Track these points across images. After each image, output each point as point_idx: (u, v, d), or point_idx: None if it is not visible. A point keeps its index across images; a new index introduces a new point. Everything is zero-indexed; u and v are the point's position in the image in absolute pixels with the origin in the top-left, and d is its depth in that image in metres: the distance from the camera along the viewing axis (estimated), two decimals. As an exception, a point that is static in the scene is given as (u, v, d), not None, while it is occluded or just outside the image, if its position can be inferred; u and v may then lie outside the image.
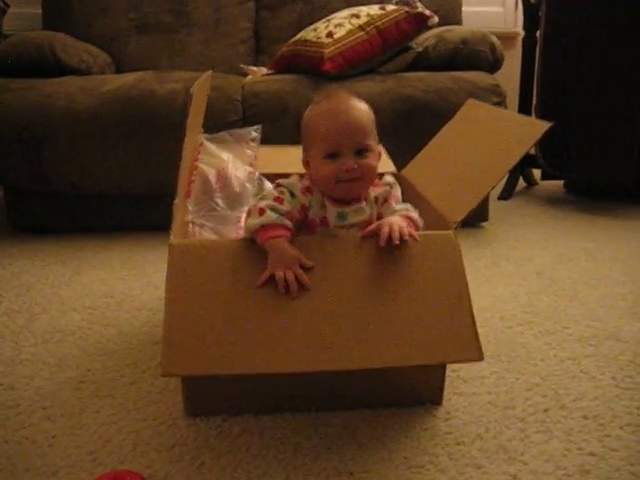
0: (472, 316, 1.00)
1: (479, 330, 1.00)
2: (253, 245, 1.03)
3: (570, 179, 2.61)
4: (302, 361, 0.95)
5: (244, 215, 1.17)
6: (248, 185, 1.34)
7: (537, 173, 2.78)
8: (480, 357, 0.98)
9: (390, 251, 1.03)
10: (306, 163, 1.13)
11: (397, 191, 1.17)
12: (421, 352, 0.97)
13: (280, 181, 1.11)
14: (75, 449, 0.96)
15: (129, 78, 2.06)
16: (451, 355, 0.99)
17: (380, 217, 1.13)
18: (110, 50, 2.48)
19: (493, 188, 1.06)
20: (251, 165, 1.37)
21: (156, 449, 0.97)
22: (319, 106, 1.11)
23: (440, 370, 1.07)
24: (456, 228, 1.06)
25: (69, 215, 2.08)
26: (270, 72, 2.31)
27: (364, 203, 1.12)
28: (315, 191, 1.10)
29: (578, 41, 2.27)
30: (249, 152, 1.39)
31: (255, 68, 2.40)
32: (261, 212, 1.03)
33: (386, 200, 1.14)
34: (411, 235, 1.03)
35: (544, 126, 1.01)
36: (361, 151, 1.07)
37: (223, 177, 1.32)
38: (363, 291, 1.00)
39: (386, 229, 1.02)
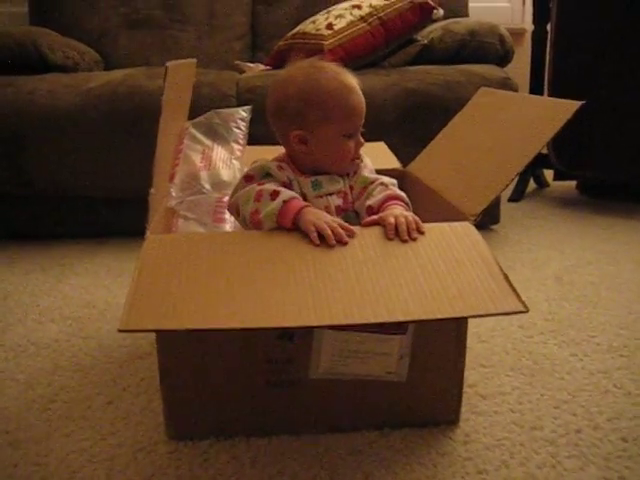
0: (504, 275, 0.85)
1: (497, 340, 0.87)
2: (237, 239, 0.91)
3: (584, 180, 2.48)
4: (302, 314, 0.79)
5: (226, 197, 1.14)
6: (235, 162, 1.24)
7: (548, 174, 2.65)
8: (525, 307, 0.81)
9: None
10: (299, 140, 1.04)
11: (368, 162, 1.13)
12: (452, 304, 0.81)
13: (251, 170, 1.05)
14: (37, 482, 0.84)
15: (117, 74, 1.94)
16: (488, 306, 0.81)
17: (351, 189, 1.09)
18: (99, 47, 2.36)
19: (517, 175, 0.93)
20: (238, 159, 1.27)
21: (131, 481, 0.84)
22: (328, 78, 1.03)
23: (456, 384, 0.95)
24: (476, 221, 0.94)
25: (52, 220, 1.95)
26: (267, 68, 2.19)
27: (337, 176, 1.08)
28: (286, 168, 1.06)
29: (594, 33, 2.14)
30: (236, 146, 1.29)
31: (251, 64, 2.28)
32: (274, 194, 0.96)
33: (355, 172, 1.10)
34: (418, 229, 0.93)
35: (574, 105, 0.89)
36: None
37: (208, 157, 1.22)
38: (375, 261, 0.88)
39: (391, 220, 0.93)
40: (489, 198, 0.92)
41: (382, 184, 1.07)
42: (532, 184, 2.64)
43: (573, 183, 2.58)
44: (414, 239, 0.91)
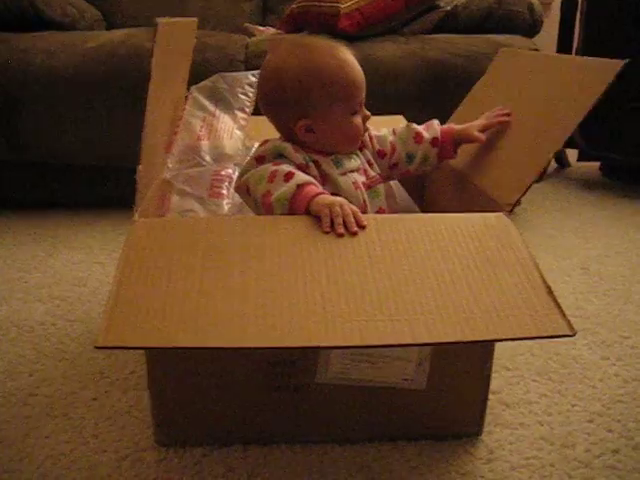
0: (547, 287, 0.75)
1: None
2: (238, 228, 0.81)
3: (609, 161, 2.35)
4: (312, 332, 0.68)
5: (225, 171, 1.09)
6: (238, 132, 1.13)
7: (570, 154, 2.52)
8: (571, 330, 0.71)
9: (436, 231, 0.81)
10: (309, 129, 0.95)
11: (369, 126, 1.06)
12: (486, 322, 0.70)
13: (263, 151, 0.96)
14: (7, 493, 0.74)
15: (117, 34, 1.81)
16: (529, 326, 0.70)
17: (371, 163, 1.05)
18: (100, 5, 2.22)
19: (556, 153, 0.82)
20: (241, 129, 1.16)
21: (112, 495, 0.74)
22: (327, 56, 0.95)
23: (481, 392, 0.84)
24: (511, 211, 0.82)
25: (47, 188, 1.84)
26: (278, 32, 2.06)
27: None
28: (300, 150, 0.96)
29: (630, 4, 1.99)
30: (240, 114, 1.18)
31: (262, 28, 2.15)
32: (289, 176, 0.87)
33: (364, 145, 1.05)
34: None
35: (617, 64, 0.77)
36: None
37: (209, 125, 1.11)
38: (397, 262, 0.77)
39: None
40: (525, 183, 0.81)
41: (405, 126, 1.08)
42: (552, 163, 2.51)
43: (596, 164, 2.45)
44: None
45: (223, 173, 1.12)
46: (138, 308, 0.69)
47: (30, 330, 1.13)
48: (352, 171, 0.99)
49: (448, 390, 0.83)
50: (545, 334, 0.70)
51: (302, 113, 0.94)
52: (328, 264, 0.75)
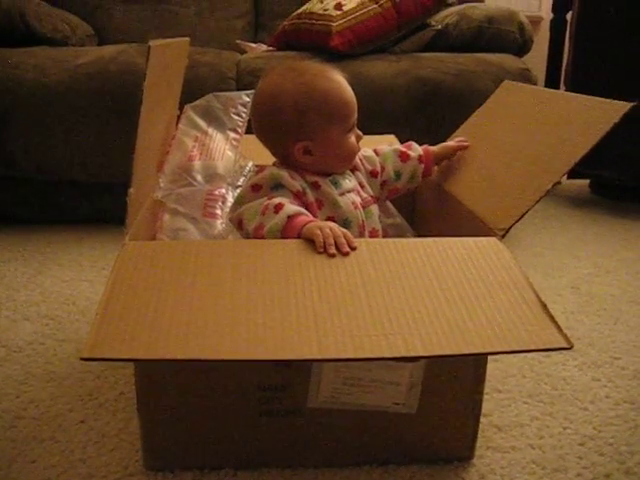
0: (542, 304, 0.75)
1: (511, 359, 0.78)
2: (231, 249, 0.81)
3: (599, 178, 2.36)
4: (303, 345, 0.68)
5: (218, 190, 1.12)
6: (230, 153, 1.14)
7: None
8: (568, 343, 0.70)
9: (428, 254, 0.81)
10: (307, 151, 0.97)
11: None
12: (481, 336, 0.69)
13: (259, 179, 0.95)
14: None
15: (108, 50, 1.80)
16: (525, 340, 0.69)
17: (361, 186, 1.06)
18: (92, 21, 2.22)
19: (554, 185, 0.82)
20: (233, 150, 1.16)
21: (100, 523, 0.73)
22: (318, 78, 0.97)
23: (473, 416, 0.84)
24: (503, 236, 0.83)
25: (36, 205, 1.83)
26: (270, 49, 2.06)
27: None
28: (296, 176, 0.97)
29: (619, 25, 2.01)
30: (233, 135, 1.18)
31: (253, 45, 2.15)
32: (278, 207, 0.88)
33: (356, 167, 1.07)
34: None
35: (624, 106, 0.78)
36: None
37: (201, 144, 1.12)
38: (389, 281, 0.77)
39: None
40: (520, 211, 0.81)
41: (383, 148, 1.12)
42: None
43: (586, 182, 2.46)
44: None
45: (216, 193, 1.12)
46: (126, 321, 0.69)
47: (18, 350, 1.12)
48: (349, 191, 1.01)
49: (439, 414, 0.83)
50: (542, 347, 0.70)
51: (299, 135, 0.95)
52: (320, 282, 0.75)
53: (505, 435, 0.91)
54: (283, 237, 0.86)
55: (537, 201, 0.82)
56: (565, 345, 0.69)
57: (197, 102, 1.28)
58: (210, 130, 1.23)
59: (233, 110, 1.25)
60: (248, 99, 1.26)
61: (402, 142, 1.41)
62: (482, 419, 0.91)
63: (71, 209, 1.84)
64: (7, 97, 1.68)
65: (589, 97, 0.90)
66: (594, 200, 2.33)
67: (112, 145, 1.71)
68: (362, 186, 1.06)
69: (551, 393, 1.02)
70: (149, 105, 0.86)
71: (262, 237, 0.88)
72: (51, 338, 1.17)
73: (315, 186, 0.97)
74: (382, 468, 0.83)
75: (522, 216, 0.82)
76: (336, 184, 1.00)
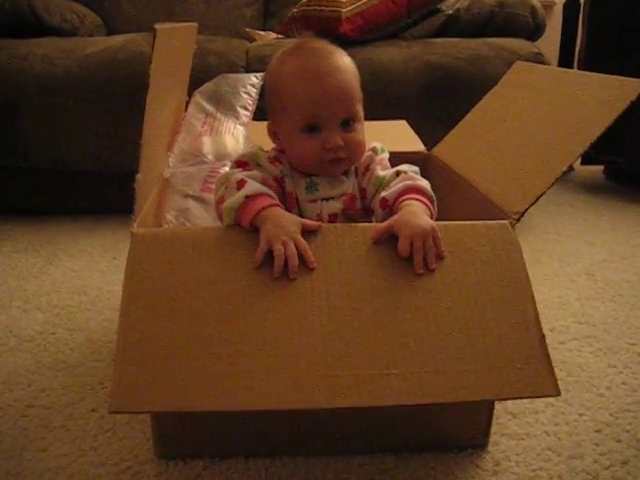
0: (540, 333, 0.74)
1: None
2: (236, 233, 0.79)
3: (613, 164, 2.33)
4: (311, 394, 0.69)
5: (223, 168, 1.07)
6: (240, 127, 1.13)
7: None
8: (556, 391, 0.72)
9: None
10: (273, 134, 0.92)
11: (384, 156, 0.95)
12: (475, 383, 0.71)
13: (239, 157, 0.90)
14: (4, 509, 0.73)
15: (117, 40, 1.80)
16: (515, 388, 0.71)
17: (363, 192, 0.92)
18: (101, 11, 2.22)
19: (568, 166, 0.81)
20: (244, 125, 1.16)
21: (111, 510, 0.73)
22: (291, 61, 0.88)
23: (488, 403, 0.82)
24: (518, 220, 0.81)
25: (47, 195, 1.83)
26: (279, 37, 2.04)
27: (343, 176, 0.92)
28: (284, 160, 0.90)
29: (633, 6, 1.98)
30: (243, 112, 1.18)
31: (262, 33, 2.14)
32: (240, 184, 0.82)
33: (367, 169, 0.93)
34: (439, 254, 0.79)
35: (639, 84, 0.76)
36: (348, 121, 0.87)
37: (210, 125, 1.11)
38: (389, 300, 0.75)
39: (406, 244, 0.77)
40: (535, 194, 0.79)
41: (399, 172, 0.89)
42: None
43: (600, 168, 2.43)
44: (432, 270, 0.77)
45: (220, 170, 1.11)
46: (146, 364, 0.70)
47: (29, 339, 1.12)
48: (328, 198, 0.90)
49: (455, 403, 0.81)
50: (531, 395, 0.73)
51: (270, 115, 0.92)
52: (331, 314, 0.74)
53: (520, 422, 0.90)
54: (236, 217, 0.80)
55: (552, 183, 0.80)
56: (553, 393, 0.72)
57: (205, 85, 1.27)
58: (219, 114, 1.22)
59: (242, 90, 1.24)
60: (257, 80, 1.26)
61: (413, 128, 1.40)
62: (496, 406, 0.90)
63: (81, 200, 1.84)
64: (16, 88, 1.68)
65: (603, 75, 0.88)
66: (608, 186, 2.30)
67: (121, 134, 1.71)
68: (365, 191, 0.93)
69: (566, 379, 1.00)
70: (156, 90, 0.85)
71: (220, 212, 0.83)
72: (62, 327, 1.16)
73: (291, 181, 0.90)
74: (395, 456, 0.82)
75: (537, 199, 0.80)
76: (312, 187, 0.89)
